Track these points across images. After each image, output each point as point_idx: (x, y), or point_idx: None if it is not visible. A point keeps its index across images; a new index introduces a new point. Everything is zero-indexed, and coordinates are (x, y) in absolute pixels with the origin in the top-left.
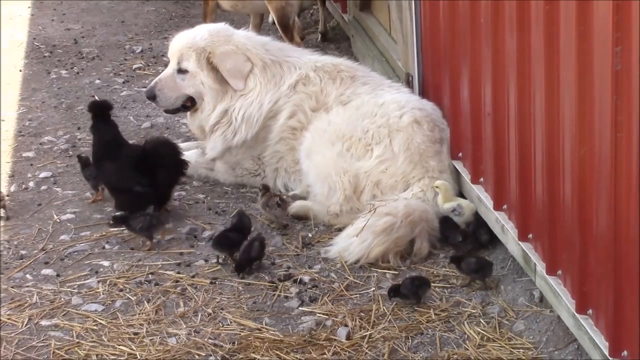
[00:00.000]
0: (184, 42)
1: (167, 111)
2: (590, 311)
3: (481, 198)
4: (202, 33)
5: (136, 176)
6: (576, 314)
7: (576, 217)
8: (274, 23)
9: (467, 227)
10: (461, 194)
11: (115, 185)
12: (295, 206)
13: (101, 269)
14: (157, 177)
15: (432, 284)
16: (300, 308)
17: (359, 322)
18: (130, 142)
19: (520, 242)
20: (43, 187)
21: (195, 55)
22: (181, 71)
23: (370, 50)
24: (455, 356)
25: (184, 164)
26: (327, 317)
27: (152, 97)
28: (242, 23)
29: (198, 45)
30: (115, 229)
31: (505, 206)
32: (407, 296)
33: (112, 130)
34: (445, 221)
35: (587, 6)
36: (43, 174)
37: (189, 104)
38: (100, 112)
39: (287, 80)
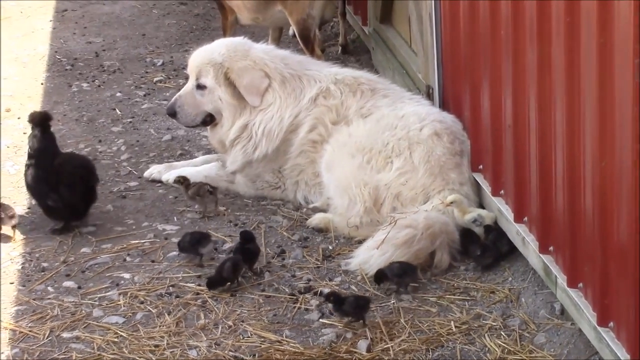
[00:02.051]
0: (202, 58)
1: (187, 126)
2: (611, 324)
3: (502, 210)
4: (219, 48)
5: (48, 190)
6: (597, 326)
7: (597, 230)
8: (294, 36)
9: (487, 238)
10: (481, 207)
11: (33, 197)
12: (316, 218)
13: (122, 282)
14: (65, 192)
15: (453, 296)
16: (320, 320)
17: (380, 334)
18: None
19: (541, 255)
20: None
21: (213, 70)
22: (200, 87)
23: (391, 62)
24: None
25: (92, 180)
26: (347, 329)
27: (172, 113)
28: (261, 36)
29: (216, 60)
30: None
31: (526, 218)
32: (393, 281)
33: (46, 141)
34: (466, 234)
35: (608, 18)
36: None
37: (209, 119)
38: (40, 122)
39: (308, 93)
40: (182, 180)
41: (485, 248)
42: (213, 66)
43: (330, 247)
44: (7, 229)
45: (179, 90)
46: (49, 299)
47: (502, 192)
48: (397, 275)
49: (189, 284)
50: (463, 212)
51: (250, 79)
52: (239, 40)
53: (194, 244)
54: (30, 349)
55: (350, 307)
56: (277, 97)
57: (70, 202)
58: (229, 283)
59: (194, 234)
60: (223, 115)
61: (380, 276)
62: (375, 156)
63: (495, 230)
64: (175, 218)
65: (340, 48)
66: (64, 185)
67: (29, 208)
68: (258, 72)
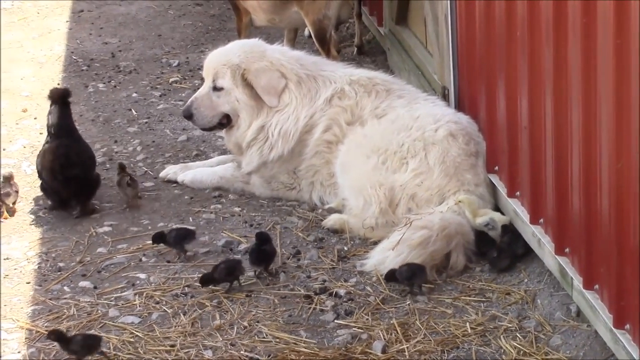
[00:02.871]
0: (219, 60)
1: (203, 129)
2: (627, 326)
3: (517, 212)
4: (236, 50)
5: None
6: (613, 328)
7: (613, 231)
8: (309, 37)
9: (502, 240)
10: (497, 208)
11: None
12: (331, 219)
13: (138, 282)
14: (46, 176)
15: (468, 297)
16: (335, 321)
17: (395, 335)
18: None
19: (557, 256)
20: None
21: (230, 72)
22: (216, 89)
23: (406, 63)
24: None
25: (72, 171)
26: (362, 330)
27: (188, 116)
28: (277, 37)
29: (233, 62)
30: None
31: (541, 220)
32: (403, 284)
33: (62, 119)
34: (481, 235)
35: (624, 19)
36: None
37: (225, 121)
38: (57, 99)
39: (323, 94)
40: (120, 168)
41: (501, 250)
42: (230, 67)
43: (346, 248)
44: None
45: (195, 91)
46: (65, 298)
47: (517, 193)
48: (407, 278)
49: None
50: (475, 215)
51: (268, 80)
52: (254, 42)
53: (179, 240)
54: (47, 348)
55: None
56: (294, 97)
57: (51, 186)
58: (223, 283)
59: (180, 229)
60: (240, 116)
61: (390, 276)
62: (390, 157)
63: (510, 232)
64: (190, 219)
65: (355, 49)
66: (45, 169)
67: (45, 208)
68: (275, 73)
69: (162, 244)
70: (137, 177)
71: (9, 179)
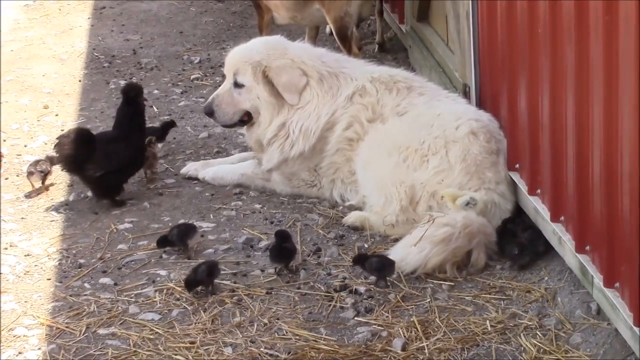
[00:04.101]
0: (240, 56)
1: (224, 126)
2: None
3: (538, 210)
4: (257, 46)
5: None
6: (634, 326)
7: (635, 229)
8: (330, 34)
9: (523, 237)
10: (517, 205)
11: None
12: (352, 217)
13: (158, 278)
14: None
15: (488, 295)
16: (355, 319)
17: (415, 333)
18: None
19: (577, 254)
20: None
21: (251, 69)
22: (238, 85)
23: (428, 60)
24: None
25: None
26: (382, 328)
27: (210, 113)
28: (298, 35)
29: (254, 59)
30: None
31: (562, 218)
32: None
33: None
34: (503, 234)
35: None
36: None
37: (246, 118)
38: (125, 93)
39: (344, 91)
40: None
41: (522, 247)
42: (251, 64)
43: (366, 246)
44: (36, 182)
45: (216, 88)
46: (86, 295)
47: (538, 191)
48: (376, 270)
49: (224, 281)
50: (454, 199)
51: (289, 77)
52: (276, 39)
53: (181, 236)
54: (67, 345)
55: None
56: (315, 95)
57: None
58: (205, 285)
59: (180, 226)
60: (261, 113)
61: (358, 260)
62: (411, 155)
63: (531, 229)
64: (211, 215)
65: (377, 46)
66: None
67: (66, 204)
68: (296, 70)
69: (168, 247)
70: (158, 174)
71: (51, 160)
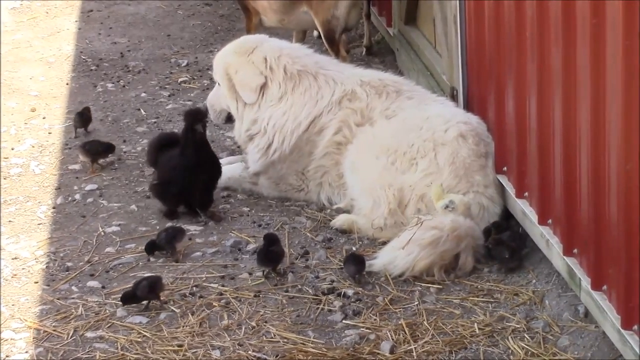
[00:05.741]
0: (217, 57)
1: (217, 125)
2: (636, 327)
3: (526, 212)
4: (231, 45)
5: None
6: (621, 329)
7: (622, 232)
8: (319, 37)
9: (511, 242)
10: (505, 208)
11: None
12: (340, 219)
13: None
14: None
15: (476, 298)
16: (343, 321)
17: (403, 336)
18: None
19: (565, 257)
20: (89, 200)
21: (222, 68)
22: (219, 85)
23: (415, 64)
24: None
25: None
26: (370, 331)
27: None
28: (285, 38)
29: (225, 59)
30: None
31: (550, 221)
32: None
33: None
34: (490, 236)
35: (633, 20)
36: (89, 187)
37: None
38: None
39: (326, 93)
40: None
41: (513, 251)
42: (222, 64)
43: (354, 248)
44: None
45: (204, 91)
46: (73, 298)
47: (526, 194)
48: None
49: (212, 285)
50: (438, 198)
51: (243, 76)
52: (254, 37)
53: (170, 239)
54: (54, 348)
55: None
56: (285, 92)
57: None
58: (146, 301)
59: (169, 229)
60: (231, 111)
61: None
62: (400, 157)
63: (520, 234)
64: (199, 218)
65: (364, 49)
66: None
67: (54, 207)
68: (252, 69)
69: (156, 251)
70: (145, 177)
71: None
